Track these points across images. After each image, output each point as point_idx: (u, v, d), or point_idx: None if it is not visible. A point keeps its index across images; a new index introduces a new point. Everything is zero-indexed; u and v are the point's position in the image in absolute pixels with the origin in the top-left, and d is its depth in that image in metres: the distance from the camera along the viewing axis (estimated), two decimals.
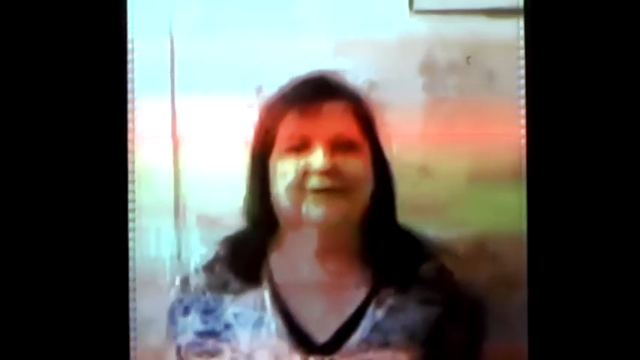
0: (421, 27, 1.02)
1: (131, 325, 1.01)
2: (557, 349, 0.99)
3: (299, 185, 0.96)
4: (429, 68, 1.02)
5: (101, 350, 1.02)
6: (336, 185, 0.96)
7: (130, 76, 1.02)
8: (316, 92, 0.98)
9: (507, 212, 0.99)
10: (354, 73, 1.00)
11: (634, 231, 1.00)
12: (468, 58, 1.00)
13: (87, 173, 1.02)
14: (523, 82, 1.02)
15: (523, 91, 1.02)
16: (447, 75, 1.02)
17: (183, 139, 1.02)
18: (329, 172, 0.95)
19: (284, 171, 0.96)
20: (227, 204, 1.00)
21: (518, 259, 0.99)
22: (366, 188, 0.98)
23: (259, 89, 1.01)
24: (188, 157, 1.02)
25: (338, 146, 0.96)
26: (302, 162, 0.96)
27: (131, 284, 1.01)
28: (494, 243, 0.99)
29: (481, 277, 0.98)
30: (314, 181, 0.95)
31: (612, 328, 0.99)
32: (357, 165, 0.97)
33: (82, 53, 1.03)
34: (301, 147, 0.96)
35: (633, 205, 1.00)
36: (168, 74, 1.02)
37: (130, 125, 1.02)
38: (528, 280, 0.99)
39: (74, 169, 1.03)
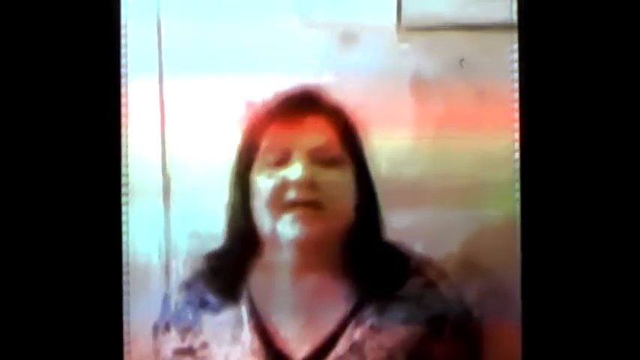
0: (410, 42, 1.01)
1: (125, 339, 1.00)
2: None
3: (277, 198, 0.95)
4: (418, 84, 1.00)
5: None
6: (313, 198, 0.94)
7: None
8: (298, 106, 0.98)
9: (498, 226, 0.96)
10: (342, 88, 0.99)
11: (627, 243, 0.95)
12: (461, 61, 0.98)
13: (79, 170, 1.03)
14: (516, 95, 0.99)
15: (516, 105, 0.99)
16: (436, 90, 1.00)
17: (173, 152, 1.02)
18: (307, 184, 0.94)
19: (263, 184, 0.96)
20: (215, 218, 0.99)
21: (508, 274, 0.95)
22: (347, 203, 0.96)
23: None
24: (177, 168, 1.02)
25: (318, 160, 0.95)
26: (281, 175, 0.95)
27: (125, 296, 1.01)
28: (484, 258, 0.95)
29: (470, 293, 0.94)
30: (292, 194, 0.94)
31: (605, 338, 0.95)
32: (337, 179, 0.96)
33: (72, 38, 1.04)
34: (281, 160, 0.96)
35: (626, 216, 0.96)
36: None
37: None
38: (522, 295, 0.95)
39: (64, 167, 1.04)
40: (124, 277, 1.00)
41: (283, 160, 0.96)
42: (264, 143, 0.97)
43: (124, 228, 1.00)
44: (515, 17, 1.01)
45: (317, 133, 0.97)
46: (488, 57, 1.00)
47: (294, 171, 0.95)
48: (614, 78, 0.99)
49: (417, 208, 0.97)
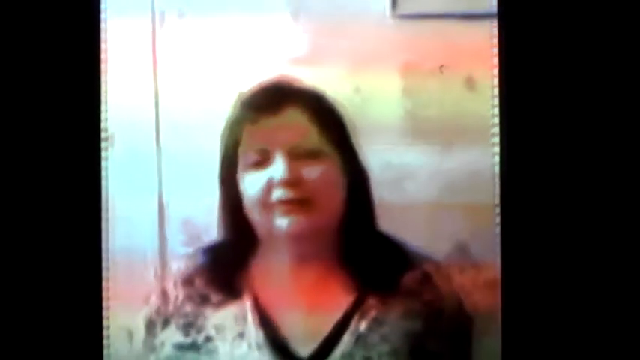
0: (402, 31, 1.00)
1: (105, 334, 0.99)
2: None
3: (265, 198, 0.95)
4: (408, 72, 1.01)
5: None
6: (300, 195, 0.95)
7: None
8: (271, 101, 0.97)
9: (485, 216, 1.00)
10: (334, 78, 0.99)
11: (610, 237, 1.01)
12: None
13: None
14: (496, 82, 1.02)
15: (497, 91, 1.02)
16: (426, 79, 1.00)
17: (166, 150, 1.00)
18: (291, 183, 0.94)
19: (249, 185, 0.96)
20: (209, 211, 0.99)
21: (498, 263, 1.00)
22: (335, 195, 0.97)
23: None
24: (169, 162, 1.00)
25: (298, 155, 0.95)
26: (265, 175, 0.95)
27: (105, 294, 0.99)
28: (476, 249, 0.99)
29: (464, 284, 0.98)
30: (278, 193, 0.95)
31: (588, 330, 1.01)
32: (321, 172, 0.96)
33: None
34: (262, 160, 0.96)
35: (609, 213, 1.02)
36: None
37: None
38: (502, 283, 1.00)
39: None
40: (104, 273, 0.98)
41: (264, 159, 0.95)
42: (243, 141, 0.97)
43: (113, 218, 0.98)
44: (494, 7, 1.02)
45: (293, 127, 0.96)
46: (472, 45, 1.01)
47: (277, 171, 0.95)
48: (594, 61, 1.02)
49: (408, 197, 0.99)
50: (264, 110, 0.96)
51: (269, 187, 0.95)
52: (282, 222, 0.95)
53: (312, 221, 0.95)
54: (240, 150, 0.97)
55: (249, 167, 0.96)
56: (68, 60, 1.01)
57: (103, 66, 1.01)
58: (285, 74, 0.98)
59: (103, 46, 1.01)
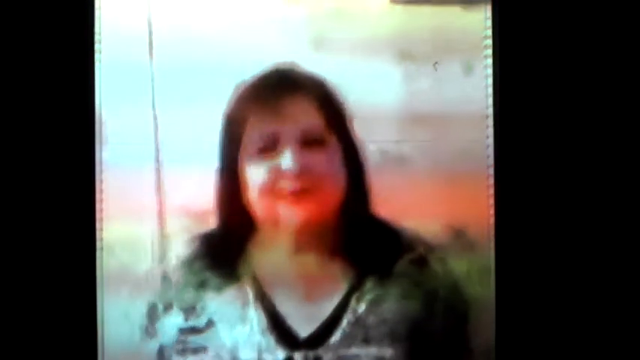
0: (399, 17, 1.01)
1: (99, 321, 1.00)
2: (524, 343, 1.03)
3: (271, 187, 0.96)
4: (405, 59, 1.01)
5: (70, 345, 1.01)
6: (307, 185, 0.96)
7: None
8: (279, 88, 0.98)
9: (479, 203, 1.01)
10: (329, 65, 0.99)
11: (604, 222, 1.04)
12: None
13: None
14: (490, 71, 1.03)
15: (491, 80, 1.03)
16: (422, 65, 1.01)
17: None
18: (299, 174, 0.96)
19: (255, 174, 0.97)
20: (206, 197, 0.99)
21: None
22: (338, 182, 0.98)
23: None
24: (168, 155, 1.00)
25: (305, 144, 0.97)
26: (271, 164, 0.96)
27: (99, 280, 0.99)
28: (472, 233, 1.01)
29: (460, 267, 1.00)
30: (285, 183, 0.96)
31: (583, 314, 1.03)
32: (327, 161, 0.97)
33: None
34: (269, 148, 0.96)
35: (603, 197, 1.04)
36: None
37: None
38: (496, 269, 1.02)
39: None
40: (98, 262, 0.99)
41: (271, 147, 0.96)
42: (248, 130, 0.97)
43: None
44: None
45: (300, 116, 0.97)
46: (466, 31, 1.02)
47: (285, 161, 0.96)
48: (588, 45, 1.04)
49: (403, 182, 1.00)
50: (270, 98, 0.97)
51: (276, 176, 0.96)
52: (288, 212, 0.97)
53: (315, 210, 0.97)
54: (245, 136, 0.97)
55: (255, 155, 0.97)
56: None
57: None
58: (290, 61, 0.99)
59: None
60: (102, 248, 0.99)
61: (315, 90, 0.98)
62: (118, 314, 0.99)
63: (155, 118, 0.99)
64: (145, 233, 0.99)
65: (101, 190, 0.99)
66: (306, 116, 0.97)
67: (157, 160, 0.99)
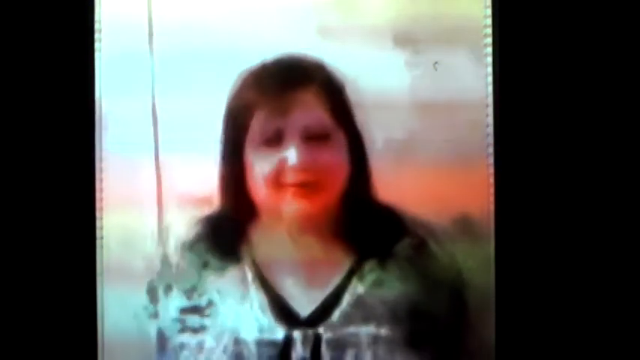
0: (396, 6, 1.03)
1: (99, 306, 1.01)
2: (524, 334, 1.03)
3: (276, 179, 0.98)
4: (407, 46, 1.02)
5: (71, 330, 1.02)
6: (312, 179, 0.98)
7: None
8: (285, 80, 0.99)
9: (480, 189, 1.02)
10: (335, 55, 1.00)
11: (601, 223, 1.04)
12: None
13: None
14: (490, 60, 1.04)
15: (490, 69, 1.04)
16: (425, 53, 1.02)
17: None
18: (304, 167, 0.97)
19: (260, 165, 0.98)
20: (207, 182, 1.00)
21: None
22: (342, 174, 1.00)
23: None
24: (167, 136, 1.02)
25: (311, 137, 0.98)
26: (277, 156, 0.97)
27: (98, 267, 1.01)
28: (473, 218, 1.01)
29: (460, 251, 1.01)
30: (290, 176, 0.97)
31: (584, 302, 1.04)
32: (331, 155, 0.99)
33: None
34: (275, 140, 0.98)
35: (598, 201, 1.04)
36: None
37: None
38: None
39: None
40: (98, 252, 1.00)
41: (277, 140, 0.98)
42: (254, 120, 0.98)
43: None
44: None
45: (307, 109, 0.98)
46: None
47: (291, 155, 0.97)
48: (587, 41, 1.05)
49: (407, 170, 1.01)
50: (276, 90, 0.98)
51: (281, 169, 0.97)
52: (291, 205, 0.98)
53: (319, 202, 0.98)
54: (251, 127, 0.98)
55: (260, 146, 0.98)
56: None
57: None
58: (297, 56, 1.00)
59: None
60: (102, 237, 1.00)
61: (320, 81, 0.99)
62: (117, 301, 1.00)
63: (155, 107, 1.00)
64: (145, 221, 1.00)
65: (101, 180, 1.01)
66: (312, 110, 0.99)
67: (157, 150, 1.00)
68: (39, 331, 1.02)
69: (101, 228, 1.01)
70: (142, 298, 1.00)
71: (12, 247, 1.02)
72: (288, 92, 0.98)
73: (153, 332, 1.00)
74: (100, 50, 1.02)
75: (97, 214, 1.01)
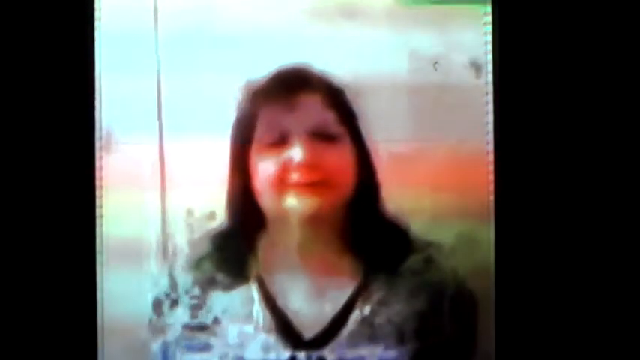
0: (406, 15, 1.01)
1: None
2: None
3: (280, 180, 0.96)
4: (413, 56, 1.01)
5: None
6: (317, 178, 0.97)
7: None
8: (292, 85, 0.98)
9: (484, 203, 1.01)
10: (339, 64, 1.00)
11: (605, 219, 1.04)
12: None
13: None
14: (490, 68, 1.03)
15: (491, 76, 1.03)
16: (430, 62, 1.01)
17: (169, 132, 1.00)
18: (309, 166, 0.96)
19: (265, 167, 0.97)
20: (214, 198, 0.99)
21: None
22: (348, 179, 0.99)
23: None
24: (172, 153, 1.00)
25: (317, 138, 0.97)
26: (282, 157, 0.96)
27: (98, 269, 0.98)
28: (480, 233, 1.01)
29: (469, 267, 1.00)
30: (295, 176, 0.96)
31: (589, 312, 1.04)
32: (337, 156, 0.98)
33: None
34: (280, 142, 0.97)
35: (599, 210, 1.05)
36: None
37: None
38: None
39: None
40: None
41: (282, 141, 0.97)
42: (259, 124, 0.98)
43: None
44: None
45: (313, 111, 0.98)
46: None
47: (295, 154, 0.96)
48: (588, 45, 1.04)
49: (412, 180, 1.00)
50: (283, 93, 0.98)
51: (286, 168, 0.96)
52: (294, 203, 0.96)
53: (324, 204, 0.97)
54: (257, 131, 0.98)
55: (265, 148, 0.97)
56: None
57: None
58: (302, 61, 0.99)
59: None
60: (102, 225, 0.99)
61: (329, 88, 0.99)
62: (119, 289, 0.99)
63: (159, 89, 0.99)
64: (147, 205, 0.99)
65: (101, 168, 0.99)
66: (319, 112, 0.98)
67: (161, 134, 0.99)
68: (37, 319, 1.00)
69: (101, 216, 0.99)
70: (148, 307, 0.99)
71: (11, 246, 1.00)
72: (294, 95, 0.98)
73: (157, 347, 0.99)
74: (99, 29, 0.99)
75: (97, 202, 0.99)
